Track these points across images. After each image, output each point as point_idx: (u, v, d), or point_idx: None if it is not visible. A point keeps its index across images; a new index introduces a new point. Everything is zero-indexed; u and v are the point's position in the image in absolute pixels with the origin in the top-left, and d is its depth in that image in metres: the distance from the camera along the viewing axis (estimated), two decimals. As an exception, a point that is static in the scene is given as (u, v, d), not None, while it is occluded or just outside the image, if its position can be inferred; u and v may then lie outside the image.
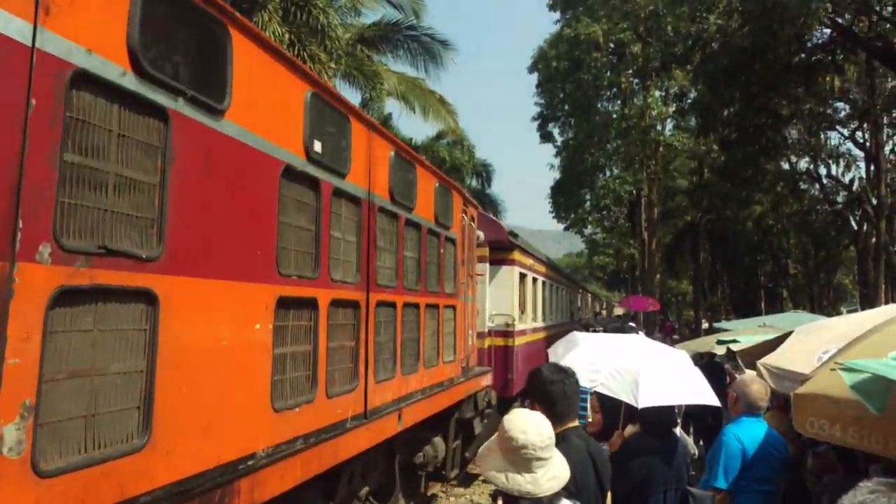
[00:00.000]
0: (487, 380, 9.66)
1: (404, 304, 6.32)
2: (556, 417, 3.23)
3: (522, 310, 13.45)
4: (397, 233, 6.26)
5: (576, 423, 3.33)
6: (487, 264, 11.38)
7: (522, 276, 13.49)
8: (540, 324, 15.86)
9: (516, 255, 12.64)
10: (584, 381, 5.09)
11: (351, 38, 17.99)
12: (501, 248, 12.07)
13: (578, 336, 6.13)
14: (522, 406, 3.40)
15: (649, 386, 4.87)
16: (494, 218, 13.52)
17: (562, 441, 3.18)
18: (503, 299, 12.00)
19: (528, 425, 2.65)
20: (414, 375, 6.56)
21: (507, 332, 11.96)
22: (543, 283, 16.83)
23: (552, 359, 4.81)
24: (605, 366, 5.18)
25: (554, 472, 2.63)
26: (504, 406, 11.60)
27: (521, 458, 2.59)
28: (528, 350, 13.37)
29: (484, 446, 2.81)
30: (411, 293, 6.55)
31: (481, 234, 10.48)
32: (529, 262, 14.24)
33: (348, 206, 5.14)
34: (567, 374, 3.36)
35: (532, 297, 14.78)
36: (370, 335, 5.45)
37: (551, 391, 3.28)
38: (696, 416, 10.20)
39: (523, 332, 13.05)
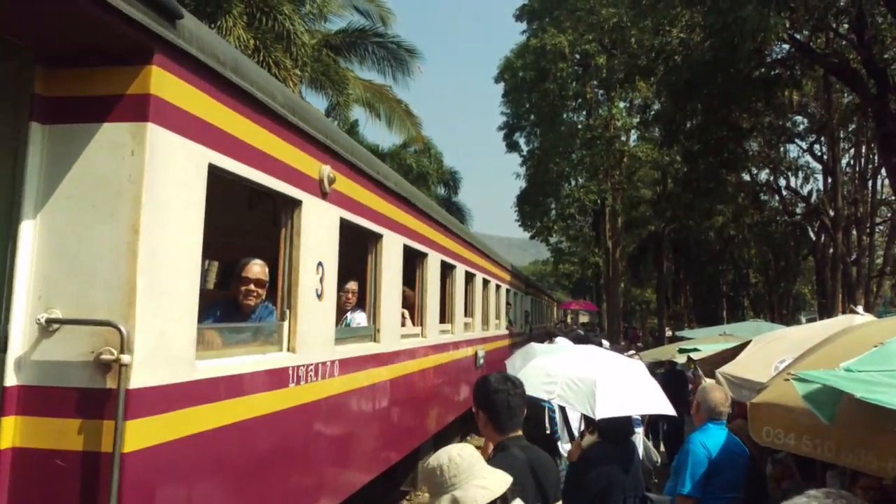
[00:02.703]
0: None
1: None
2: (498, 427, 3.25)
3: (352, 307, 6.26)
4: None
5: (518, 433, 3.29)
6: None
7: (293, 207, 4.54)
8: (424, 342, 7.88)
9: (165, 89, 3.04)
10: (541, 392, 5.08)
11: (317, 44, 17.88)
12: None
13: (536, 347, 6.13)
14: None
15: (606, 397, 4.89)
16: None
17: (501, 451, 3.18)
18: (76, 259, 2.86)
19: (441, 453, 2.54)
20: None
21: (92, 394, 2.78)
22: (421, 254, 7.98)
23: (509, 371, 4.76)
24: (562, 377, 5.17)
25: (482, 483, 2.46)
26: None
27: (441, 482, 2.47)
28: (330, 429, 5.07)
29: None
30: None
31: None
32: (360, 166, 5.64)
33: None
34: (513, 385, 3.32)
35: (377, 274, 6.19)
36: None
37: (495, 400, 3.25)
38: (652, 423, 10.40)
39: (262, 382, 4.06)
